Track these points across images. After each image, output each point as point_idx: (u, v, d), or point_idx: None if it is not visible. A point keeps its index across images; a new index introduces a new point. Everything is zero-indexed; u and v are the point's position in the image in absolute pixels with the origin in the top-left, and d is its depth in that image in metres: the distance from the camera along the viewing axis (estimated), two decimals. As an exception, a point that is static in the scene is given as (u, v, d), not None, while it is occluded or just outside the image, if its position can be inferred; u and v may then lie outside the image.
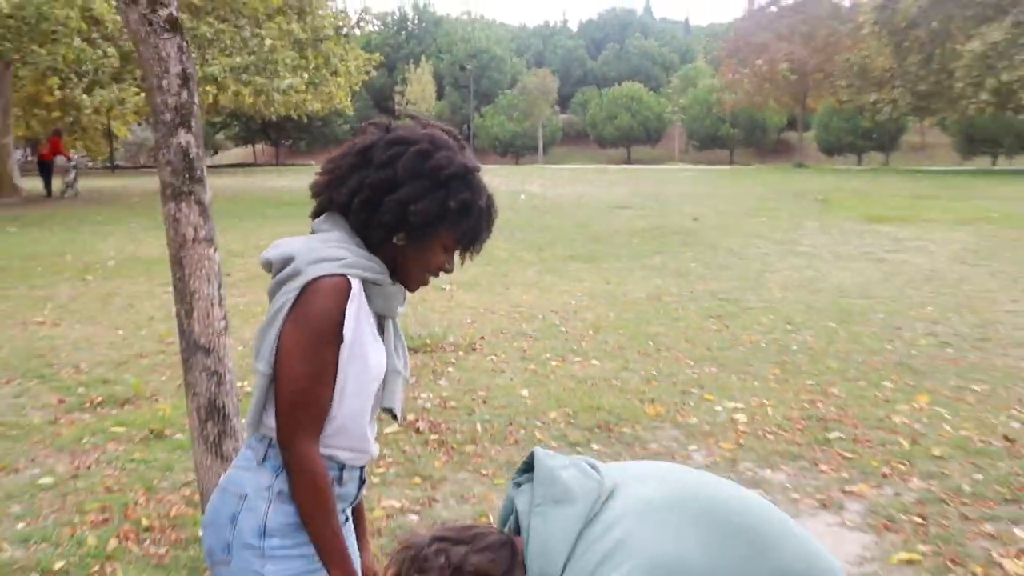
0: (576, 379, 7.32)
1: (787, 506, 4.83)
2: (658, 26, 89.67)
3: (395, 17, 78.73)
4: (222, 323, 2.86)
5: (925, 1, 37.07)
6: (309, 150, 69.06)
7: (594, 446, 5.79)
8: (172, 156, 2.88)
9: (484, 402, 6.70)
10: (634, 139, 69.15)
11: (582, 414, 6.38)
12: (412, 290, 2.19)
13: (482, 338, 8.78)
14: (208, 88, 24.35)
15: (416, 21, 79.65)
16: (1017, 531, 4.51)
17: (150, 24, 2.87)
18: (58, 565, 4.07)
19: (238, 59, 22.71)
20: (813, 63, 47.69)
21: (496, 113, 69.68)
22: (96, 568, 4.05)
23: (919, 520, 4.64)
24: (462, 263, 2.20)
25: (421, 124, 2.13)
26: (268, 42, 22.94)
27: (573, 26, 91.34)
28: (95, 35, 18.84)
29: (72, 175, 25.82)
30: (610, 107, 69.18)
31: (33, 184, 26.22)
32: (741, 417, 6.41)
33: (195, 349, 2.85)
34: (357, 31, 27.25)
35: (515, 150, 69.43)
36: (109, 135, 43.02)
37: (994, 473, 5.30)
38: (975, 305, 10.68)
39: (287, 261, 2.01)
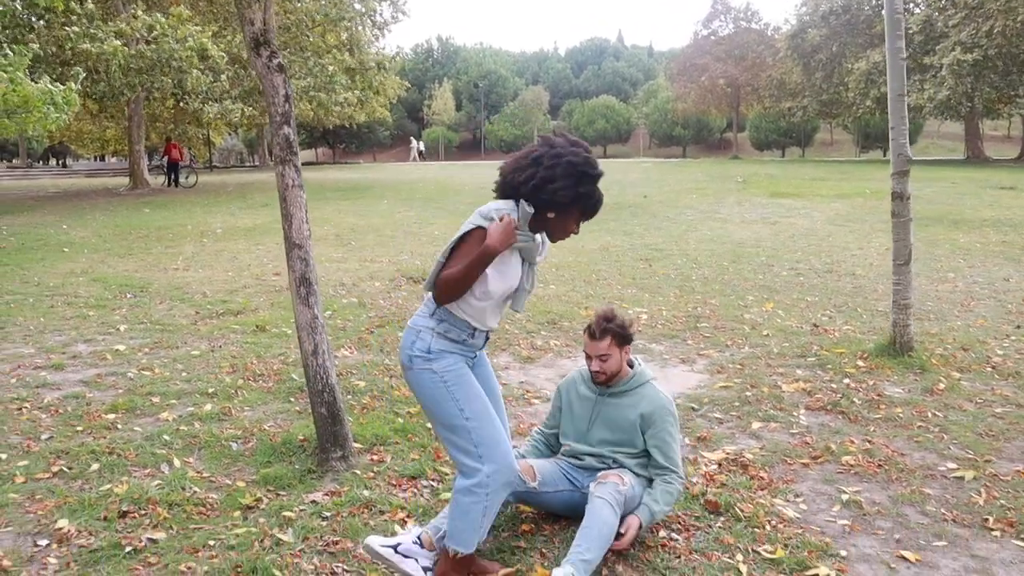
0: (538, 297, 8.37)
1: (660, 363, 5.97)
2: (628, 51, 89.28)
3: (423, 47, 79.00)
4: (307, 231, 3.97)
5: (825, 32, 37.70)
6: (358, 151, 69.48)
7: (542, 333, 6.91)
8: (280, 140, 3.98)
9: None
10: (608, 139, 69.52)
11: (538, 315, 7.47)
12: (555, 242, 2.77)
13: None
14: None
15: (440, 50, 79.83)
16: (799, 371, 5.64)
17: (268, 67, 3.97)
18: (210, 390, 5.22)
19: (303, 82, 23.47)
20: (743, 79, 48.19)
21: (502, 120, 69.93)
22: (233, 391, 5.20)
23: (739, 367, 5.77)
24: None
25: (569, 141, 2.66)
26: (331, 68, 23.54)
27: (561, 51, 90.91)
28: (203, 67, 19.60)
29: (189, 170, 27.12)
30: (590, 115, 69.38)
31: (154, 179, 27.27)
32: (644, 315, 7.51)
33: (292, 246, 3.95)
34: (393, 63, 27.91)
35: (517, 148, 69.04)
36: (208, 143, 43.98)
37: (797, 343, 6.41)
38: (831, 251, 11.69)
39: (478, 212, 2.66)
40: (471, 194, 20.90)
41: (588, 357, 3.33)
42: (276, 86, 3.96)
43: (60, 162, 64.05)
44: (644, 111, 68.07)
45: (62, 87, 10.81)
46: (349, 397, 5.00)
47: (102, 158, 62.67)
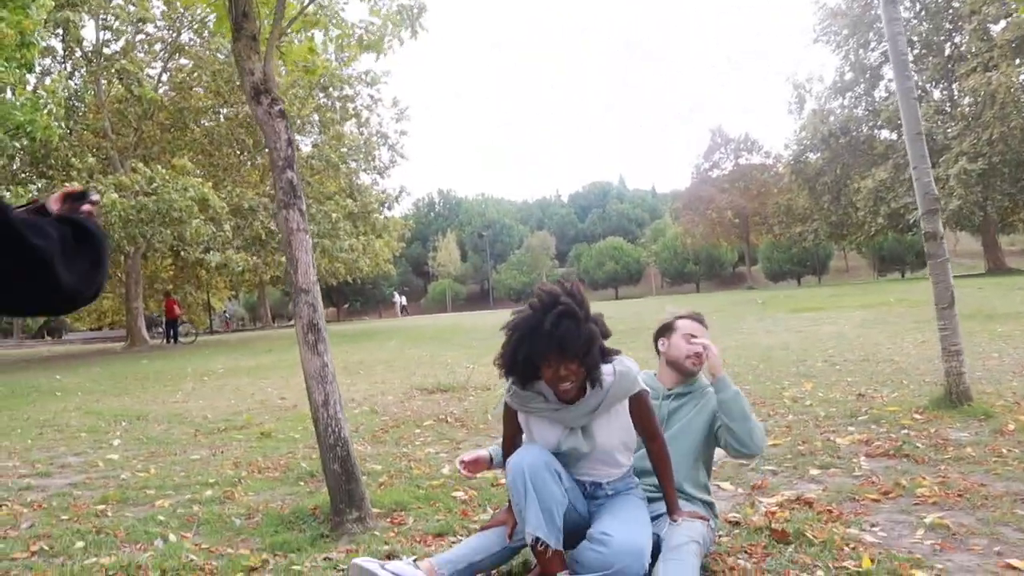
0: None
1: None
2: (630, 193, 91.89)
3: (425, 201, 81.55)
4: (314, 276, 3.87)
5: (827, 155, 38.92)
6: (363, 308, 70.30)
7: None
8: (284, 184, 3.95)
9: (495, 406, 7.58)
10: (619, 281, 70.28)
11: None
12: (560, 398, 2.65)
13: (495, 383, 9.64)
14: (282, 258, 25.74)
15: (441, 203, 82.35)
16: (851, 428, 5.36)
17: (269, 114, 4.01)
18: (211, 480, 4.95)
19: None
20: (750, 208, 49.26)
21: (509, 268, 71.05)
22: (236, 480, 4.93)
23: (786, 428, 5.49)
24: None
25: (545, 291, 2.61)
26: (334, 215, 24.16)
27: (564, 198, 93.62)
28: (204, 217, 20.13)
29: (189, 327, 27.45)
30: (598, 257, 70.45)
31: (152, 340, 27.49)
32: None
33: (299, 291, 3.83)
34: (397, 204, 28.74)
35: (526, 296, 69.53)
36: (208, 307, 44.66)
37: (844, 409, 6.13)
38: (864, 347, 11.47)
39: None
40: (484, 331, 20.90)
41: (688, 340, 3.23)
42: (278, 131, 3.98)
43: (56, 337, 64.74)
44: (653, 249, 69.17)
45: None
46: (366, 477, 4.71)
47: (99, 329, 63.40)
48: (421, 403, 8.28)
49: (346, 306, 70.82)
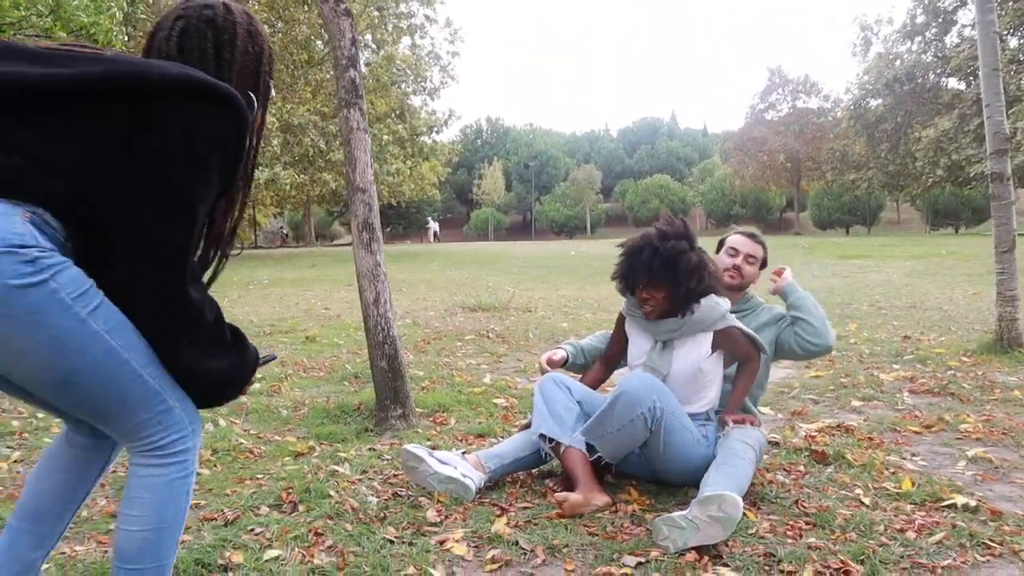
0: (588, 319, 8.21)
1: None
2: (681, 132, 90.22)
3: (473, 128, 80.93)
4: (371, 175, 3.90)
5: (890, 101, 37.70)
6: (406, 233, 70.53)
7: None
8: (346, 83, 3.95)
9: (536, 326, 7.66)
10: (663, 220, 69.48)
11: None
12: (647, 317, 2.88)
13: (537, 307, 9.73)
14: (328, 176, 25.74)
15: (489, 131, 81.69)
16: (895, 366, 5.32)
17: (335, 12, 3.99)
18: (259, 375, 5.09)
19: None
20: (804, 152, 48.19)
21: (553, 201, 70.55)
22: (282, 377, 5.07)
23: (829, 363, 5.47)
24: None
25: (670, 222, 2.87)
26: (384, 138, 24.06)
27: (614, 132, 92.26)
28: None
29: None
30: (644, 194, 69.53)
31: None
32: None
33: (356, 190, 3.87)
34: (446, 128, 28.54)
35: (568, 230, 70.08)
36: (254, 223, 45.08)
37: (889, 349, 6.08)
38: (912, 295, 11.28)
39: None
40: (525, 259, 20.96)
41: (733, 255, 3.31)
42: (343, 30, 3.97)
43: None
44: (700, 190, 68.17)
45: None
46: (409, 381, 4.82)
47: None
48: (463, 319, 8.38)
49: (388, 229, 71.14)
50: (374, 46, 25.08)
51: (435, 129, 28.65)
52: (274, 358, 1.95)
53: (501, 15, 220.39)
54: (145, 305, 1.47)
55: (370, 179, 3.89)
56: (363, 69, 24.46)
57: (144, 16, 22.19)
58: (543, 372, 3.12)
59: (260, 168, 24.39)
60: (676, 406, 2.73)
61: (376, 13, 24.82)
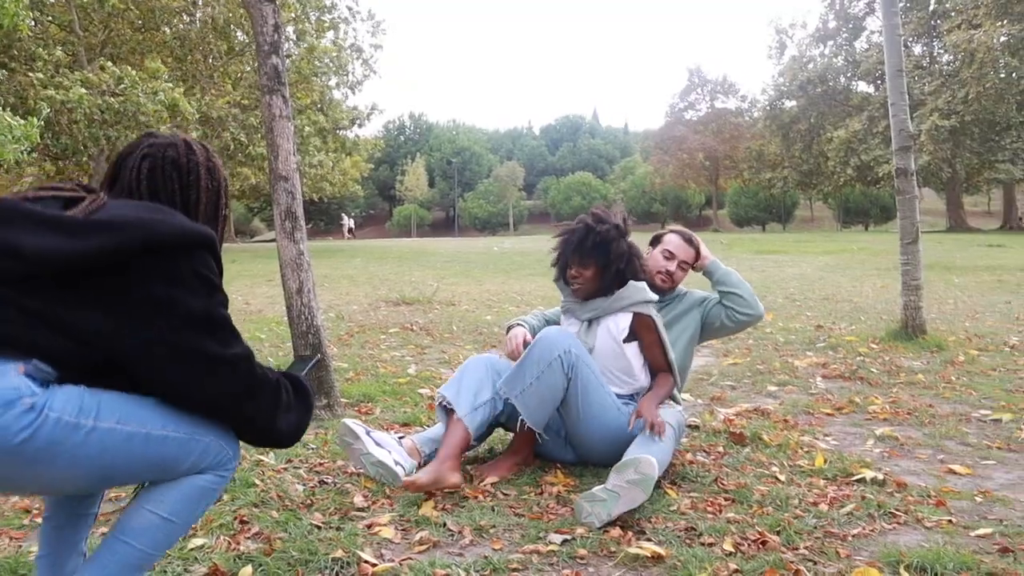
0: (512, 312, 8.24)
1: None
2: (603, 130, 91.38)
3: (396, 124, 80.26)
4: (294, 164, 3.86)
5: (804, 102, 39.01)
6: (327, 230, 69.52)
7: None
8: (268, 70, 3.89)
9: (460, 319, 7.67)
10: (585, 217, 70.17)
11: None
12: (576, 296, 2.98)
13: (461, 301, 9.74)
14: (248, 171, 25.15)
15: (412, 127, 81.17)
16: (809, 353, 5.53)
17: (254, -4, 3.94)
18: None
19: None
20: (722, 151, 49.35)
21: (476, 197, 70.62)
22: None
23: (746, 351, 5.65)
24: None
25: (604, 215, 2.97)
26: (306, 130, 23.62)
27: (536, 129, 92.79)
28: (172, 124, 19.55)
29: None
30: (566, 192, 70.14)
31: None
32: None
33: (279, 178, 3.82)
34: (368, 122, 28.21)
35: (491, 227, 70.17)
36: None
37: (803, 337, 6.31)
38: (825, 288, 11.71)
39: None
40: (448, 255, 20.92)
41: (668, 258, 3.36)
42: (265, 15, 3.91)
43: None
44: (621, 187, 69.16)
45: (23, 121, 10.72)
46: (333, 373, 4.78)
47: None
48: (387, 313, 8.34)
49: (309, 225, 69.63)
50: (295, 38, 24.63)
51: (357, 122, 28.29)
52: (319, 359, 2.06)
53: (425, 10, 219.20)
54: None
55: (293, 167, 3.85)
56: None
57: (52, 0, 21.35)
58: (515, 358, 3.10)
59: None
60: (594, 365, 2.81)
61: (297, 4, 24.38)
